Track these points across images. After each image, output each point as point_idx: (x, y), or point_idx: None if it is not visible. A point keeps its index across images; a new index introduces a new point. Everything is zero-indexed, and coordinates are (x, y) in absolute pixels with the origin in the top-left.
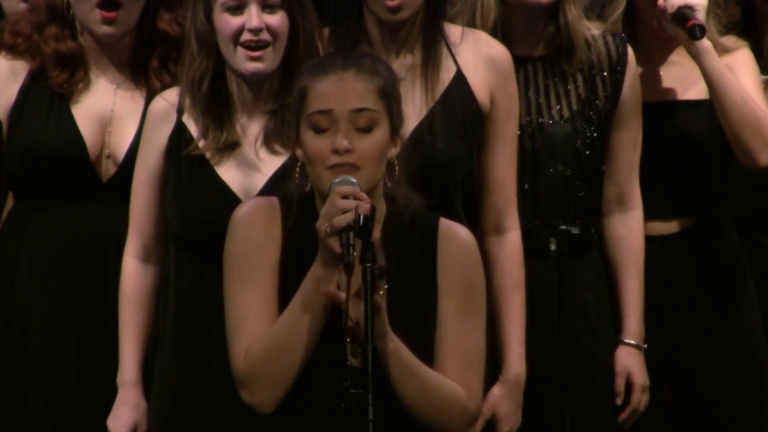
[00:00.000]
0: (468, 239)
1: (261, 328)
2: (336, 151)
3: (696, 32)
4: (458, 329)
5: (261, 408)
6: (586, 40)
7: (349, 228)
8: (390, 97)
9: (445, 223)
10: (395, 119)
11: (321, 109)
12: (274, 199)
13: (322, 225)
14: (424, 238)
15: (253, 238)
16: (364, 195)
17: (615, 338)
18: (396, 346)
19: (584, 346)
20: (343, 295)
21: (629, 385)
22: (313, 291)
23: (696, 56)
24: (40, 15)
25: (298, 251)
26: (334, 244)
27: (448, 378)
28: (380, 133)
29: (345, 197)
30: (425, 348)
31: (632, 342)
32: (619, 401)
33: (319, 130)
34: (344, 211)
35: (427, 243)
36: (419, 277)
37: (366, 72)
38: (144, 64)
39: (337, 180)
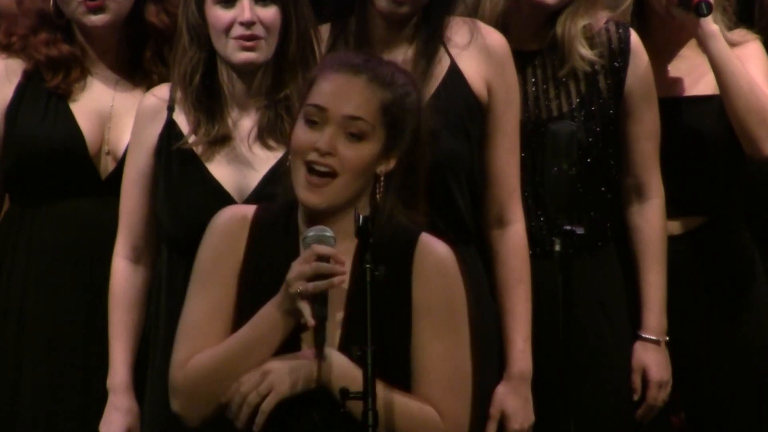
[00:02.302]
0: (446, 256)
1: (206, 341)
2: (317, 150)
3: (702, 8)
4: (435, 349)
5: (187, 421)
6: (581, 56)
7: (324, 298)
8: (393, 115)
9: (425, 238)
10: (394, 138)
11: (317, 103)
12: (251, 210)
13: (294, 282)
14: (399, 254)
15: (216, 249)
16: (342, 259)
17: (633, 335)
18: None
19: (591, 347)
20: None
21: (645, 381)
22: (264, 330)
23: (703, 41)
24: (31, 20)
25: (260, 265)
26: (306, 309)
27: (426, 399)
28: (369, 147)
29: (321, 258)
30: (398, 368)
31: (650, 337)
32: (635, 397)
33: (310, 123)
34: (321, 276)
35: (402, 259)
36: (393, 294)
37: (378, 82)
38: (140, 60)
39: (311, 233)
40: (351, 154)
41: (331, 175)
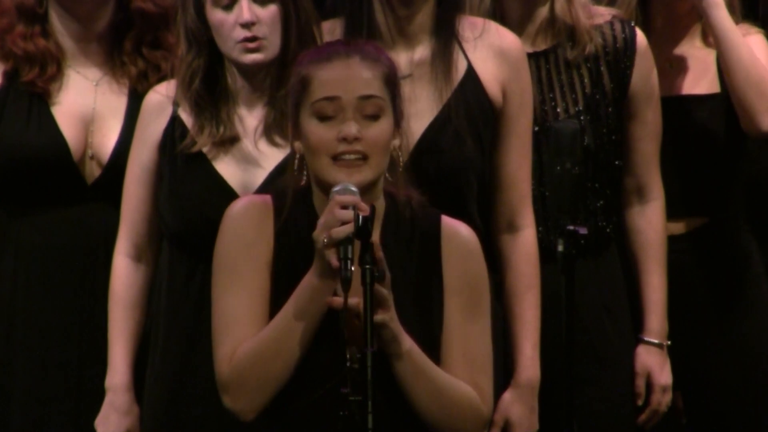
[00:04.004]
0: (471, 237)
1: (248, 331)
2: (344, 139)
3: None
4: (466, 331)
5: (242, 415)
6: (586, 29)
7: (348, 241)
8: (393, 86)
9: (447, 220)
10: (398, 109)
11: (327, 95)
12: (268, 197)
13: (319, 235)
14: (426, 237)
15: (243, 238)
16: (364, 205)
17: (635, 338)
18: (409, 349)
19: (596, 351)
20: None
21: (649, 385)
22: (306, 300)
23: (706, 10)
24: (9, 17)
25: (290, 251)
26: (332, 256)
27: (464, 381)
28: (386, 122)
29: (345, 207)
30: (433, 349)
31: (653, 340)
32: (639, 402)
33: (324, 118)
34: (344, 222)
35: (430, 241)
36: (424, 276)
37: (370, 59)
38: (120, 52)
39: (336, 188)
40: (375, 134)
41: (362, 159)
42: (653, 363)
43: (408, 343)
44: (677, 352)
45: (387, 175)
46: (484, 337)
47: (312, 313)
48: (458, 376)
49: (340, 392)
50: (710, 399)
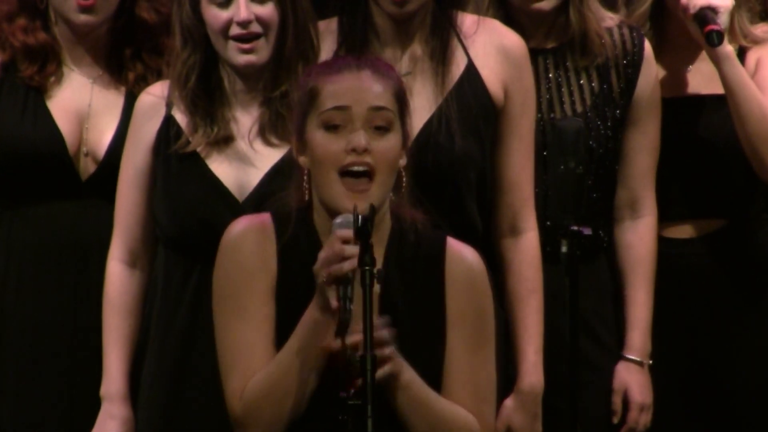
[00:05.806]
0: (476, 263)
1: (256, 363)
2: (353, 150)
3: (713, 39)
4: (470, 360)
5: None
6: (598, 34)
7: (348, 280)
8: (403, 103)
9: (453, 244)
10: (406, 127)
11: (338, 105)
12: (266, 218)
13: (320, 270)
14: (430, 260)
15: (244, 266)
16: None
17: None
18: (408, 380)
19: (589, 356)
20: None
21: (626, 403)
22: (310, 335)
23: (716, 62)
24: (10, 5)
25: (293, 274)
26: (331, 294)
27: (461, 407)
28: (395, 138)
29: (346, 242)
30: (434, 376)
31: (634, 358)
32: (615, 420)
33: (331, 128)
34: (344, 258)
35: (433, 265)
36: (426, 301)
37: (381, 73)
38: (119, 55)
39: (338, 220)
40: (383, 147)
41: (368, 174)
42: (631, 380)
43: (407, 375)
44: (698, 355)
45: (392, 196)
46: (487, 366)
47: (317, 346)
48: (460, 404)
49: (339, 397)
50: (732, 403)
